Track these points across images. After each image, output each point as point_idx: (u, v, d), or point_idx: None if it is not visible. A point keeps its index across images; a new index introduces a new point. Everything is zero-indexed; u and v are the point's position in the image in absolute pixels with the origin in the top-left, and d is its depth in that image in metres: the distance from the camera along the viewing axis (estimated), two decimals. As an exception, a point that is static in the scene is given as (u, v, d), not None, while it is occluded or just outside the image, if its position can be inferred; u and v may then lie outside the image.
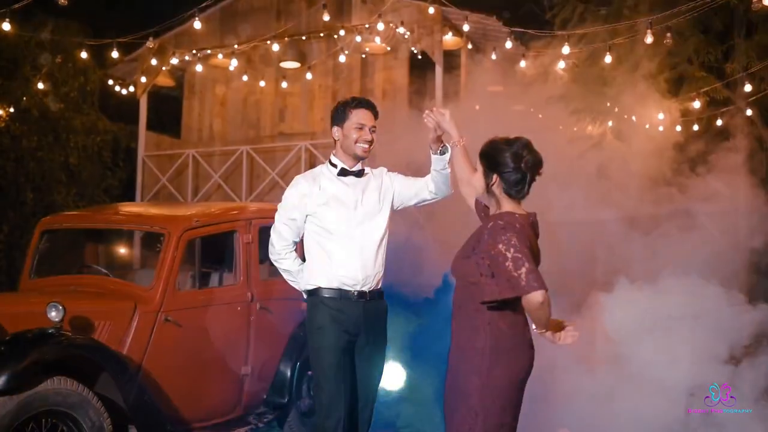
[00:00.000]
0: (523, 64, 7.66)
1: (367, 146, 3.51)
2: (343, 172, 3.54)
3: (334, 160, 3.58)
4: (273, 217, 5.41)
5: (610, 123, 8.36)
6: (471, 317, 2.84)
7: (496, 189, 2.90)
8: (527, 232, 2.83)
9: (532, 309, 2.74)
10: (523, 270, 2.66)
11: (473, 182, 3.02)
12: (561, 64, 7.05)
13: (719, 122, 7.80)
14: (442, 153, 3.43)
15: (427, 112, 3.30)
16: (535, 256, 2.82)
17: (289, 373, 5.11)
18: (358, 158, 3.54)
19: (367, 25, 9.77)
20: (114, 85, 11.85)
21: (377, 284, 3.54)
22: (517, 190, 2.89)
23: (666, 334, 4.94)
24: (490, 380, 2.77)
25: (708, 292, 5.07)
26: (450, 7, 9.39)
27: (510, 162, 2.87)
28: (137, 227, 5.17)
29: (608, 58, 6.11)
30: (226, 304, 4.77)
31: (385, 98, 10.99)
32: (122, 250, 5.68)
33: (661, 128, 7.72)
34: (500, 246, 2.71)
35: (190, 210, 5.11)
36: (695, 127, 8.09)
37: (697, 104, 6.93)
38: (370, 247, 3.49)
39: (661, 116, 7.36)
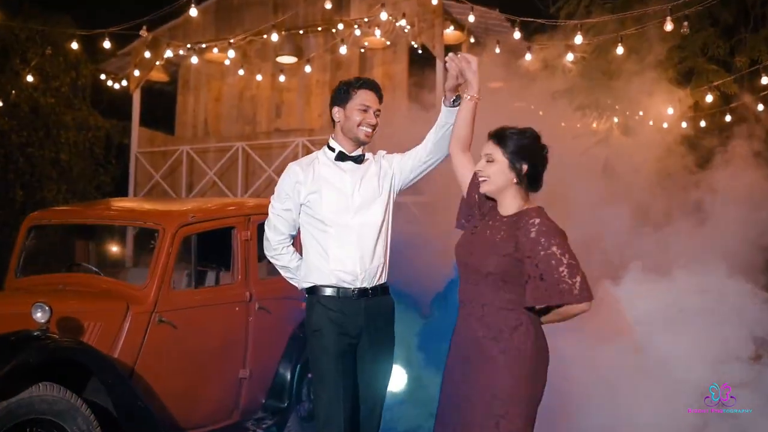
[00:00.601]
0: (528, 57, 7.46)
1: (370, 130, 3.23)
2: (341, 157, 3.26)
3: (332, 143, 3.30)
4: (272, 213, 5.24)
5: (615, 119, 8.19)
6: (504, 317, 2.65)
7: (525, 180, 2.74)
8: None
9: (568, 314, 2.66)
10: (578, 279, 2.56)
11: (490, 175, 2.75)
12: (569, 57, 6.86)
13: (728, 118, 7.63)
14: (456, 105, 3.12)
15: (451, 55, 3.00)
16: None
17: (288, 376, 4.95)
18: (359, 143, 3.26)
19: (366, 19, 9.60)
20: (106, 79, 11.69)
21: (380, 278, 3.24)
22: (538, 182, 2.78)
23: (683, 328, 4.82)
24: (539, 380, 2.67)
25: (726, 286, 4.95)
26: (452, 0, 9.22)
27: (535, 153, 2.76)
28: (130, 223, 4.96)
29: (620, 50, 5.92)
30: (223, 304, 4.59)
31: (384, 93, 10.74)
32: (114, 248, 5.47)
33: (665, 125, 7.58)
34: (555, 248, 2.57)
35: (186, 205, 4.92)
36: (702, 124, 7.91)
37: (709, 98, 6.75)
38: (368, 237, 3.20)
39: (670, 111, 7.19)
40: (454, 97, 3.11)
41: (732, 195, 5.80)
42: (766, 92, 7.04)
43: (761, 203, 5.71)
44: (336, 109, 3.27)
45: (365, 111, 3.21)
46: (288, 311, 5.00)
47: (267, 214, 3.42)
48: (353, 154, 3.27)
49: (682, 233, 5.61)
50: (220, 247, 4.72)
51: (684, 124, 7.68)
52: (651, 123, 7.76)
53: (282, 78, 10.98)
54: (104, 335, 3.92)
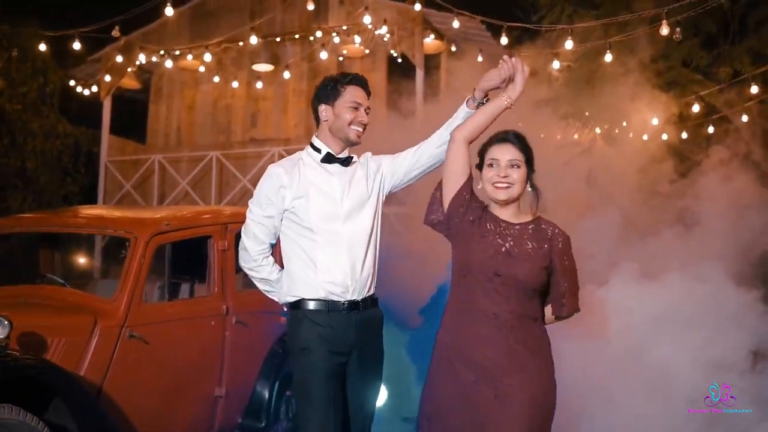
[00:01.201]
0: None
1: (361, 129, 3.03)
2: (329, 158, 3.04)
3: (317, 143, 3.07)
4: (250, 222, 5.05)
5: (598, 130, 8.17)
6: (536, 327, 2.65)
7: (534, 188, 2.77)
8: None
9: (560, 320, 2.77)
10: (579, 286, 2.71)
11: (516, 180, 2.66)
12: (555, 64, 6.76)
13: (711, 129, 7.63)
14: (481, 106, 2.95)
15: (506, 57, 2.81)
16: None
17: (266, 395, 4.78)
18: (349, 143, 3.05)
19: (345, 27, 9.48)
20: (76, 86, 11.48)
21: (369, 289, 3.04)
22: None
23: (675, 333, 4.74)
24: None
25: (720, 294, 4.91)
26: (432, 9, 9.12)
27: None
28: (100, 231, 4.72)
29: (608, 57, 5.83)
30: (198, 317, 4.37)
31: (363, 103, 10.69)
32: (82, 258, 5.21)
33: (645, 137, 7.59)
34: (572, 258, 2.67)
35: (160, 213, 4.68)
36: (684, 135, 7.90)
37: (696, 108, 6.74)
38: (359, 246, 2.99)
39: (655, 121, 7.16)
40: (485, 99, 2.91)
41: (718, 203, 5.77)
42: (751, 102, 7.05)
43: (748, 211, 5.68)
44: (323, 107, 3.05)
45: (356, 109, 3.01)
46: (267, 326, 4.83)
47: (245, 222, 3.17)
48: (341, 156, 3.06)
49: (670, 241, 5.56)
50: (196, 258, 4.51)
51: (665, 136, 7.68)
52: (631, 135, 7.80)
53: (259, 84, 10.80)
54: (69, 352, 3.64)
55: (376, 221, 3.08)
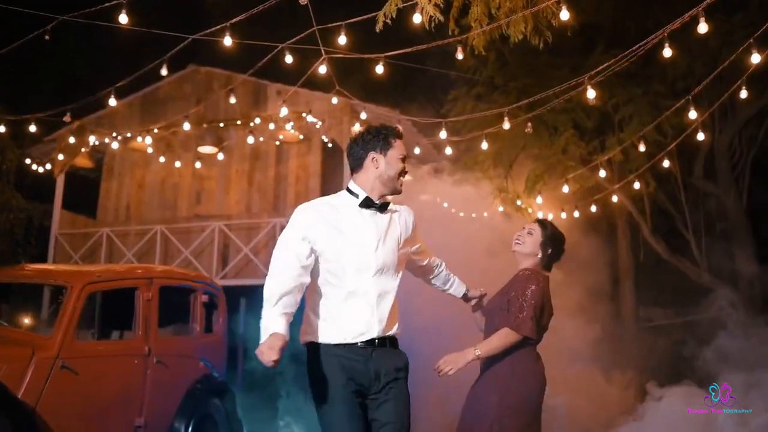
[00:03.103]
0: (417, 150, 8.50)
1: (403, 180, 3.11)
2: (367, 203, 2.99)
3: (354, 188, 3.01)
4: (176, 279, 5.81)
5: (501, 208, 9.27)
6: None
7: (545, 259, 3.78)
8: None
9: None
10: None
11: (526, 242, 3.64)
12: (448, 150, 7.91)
13: (593, 208, 8.78)
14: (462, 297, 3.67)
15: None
16: None
17: (183, 430, 5.32)
18: (393, 192, 3.06)
19: (281, 114, 10.35)
20: (31, 164, 11.86)
21: (389, 332, 3.00)
22: (550, 265, 3.82)
23: None
24: None
25: None
26: (355, 99, 10.15)
27: (559, 244, 3.81)
28: (41, 281, 5.45)
29: (484, 145, 6.96)
30: (123, 355, 5.05)
31: (298, 183, 11.62)
32: (26, 307, 5.93)
33: (538, 212, 8.70)
34: None
35: (95, 268, 5.45)
36: (563, 215, 8.96)
37: (565, 188, 7.90)
38: (386, 301, 2.97)
39: (539, 200, 8.29)
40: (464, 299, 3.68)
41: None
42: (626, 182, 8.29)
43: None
44: (374, 155, 3.00)
45: (403, 161, 3.06)
46: (186, 368, 5.48)
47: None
48: (378, 202, 3.02)
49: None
50: (124, 305, 5.20)
51: (563, 214, 8.79)
52: (531, 210, 8.87)
53: (197, 164, 11.44)
54: (10, 376, 4.28)
55: (400, 277, 3.08)
